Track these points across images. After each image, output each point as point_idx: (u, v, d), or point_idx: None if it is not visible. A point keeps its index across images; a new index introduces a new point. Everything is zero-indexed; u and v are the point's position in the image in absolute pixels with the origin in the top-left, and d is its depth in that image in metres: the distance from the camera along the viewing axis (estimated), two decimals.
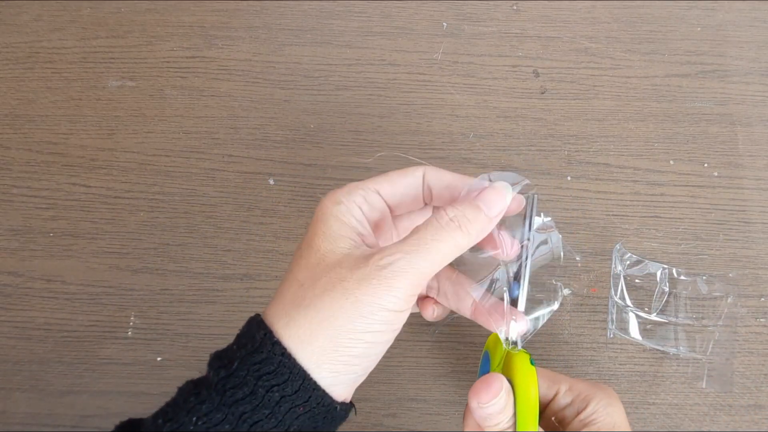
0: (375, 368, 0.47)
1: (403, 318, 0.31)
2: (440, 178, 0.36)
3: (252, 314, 0.32)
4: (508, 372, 0.35)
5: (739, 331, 0.48)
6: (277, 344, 0.29)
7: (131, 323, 0.48)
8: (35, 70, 0.55)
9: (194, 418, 0.29)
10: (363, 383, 0.47)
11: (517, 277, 0.35)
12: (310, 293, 0.30)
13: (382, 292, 0.29)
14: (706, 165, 0.52)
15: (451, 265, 0.34)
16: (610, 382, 0.47)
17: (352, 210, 0.33)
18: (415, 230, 0.32)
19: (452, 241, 0.31)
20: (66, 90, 0.54)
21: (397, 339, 0.47)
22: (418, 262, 0.30)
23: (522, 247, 0.35)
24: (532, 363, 0.35)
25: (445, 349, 0.48)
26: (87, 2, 0.56)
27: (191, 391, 0.30)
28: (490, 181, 0.35)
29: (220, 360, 0.30)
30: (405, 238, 0.31)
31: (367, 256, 0.30)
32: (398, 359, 0.48)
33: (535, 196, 0.36)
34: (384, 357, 0.47)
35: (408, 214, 0.39)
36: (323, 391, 0.30)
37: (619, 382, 0.47)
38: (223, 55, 0.55)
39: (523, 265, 0.35)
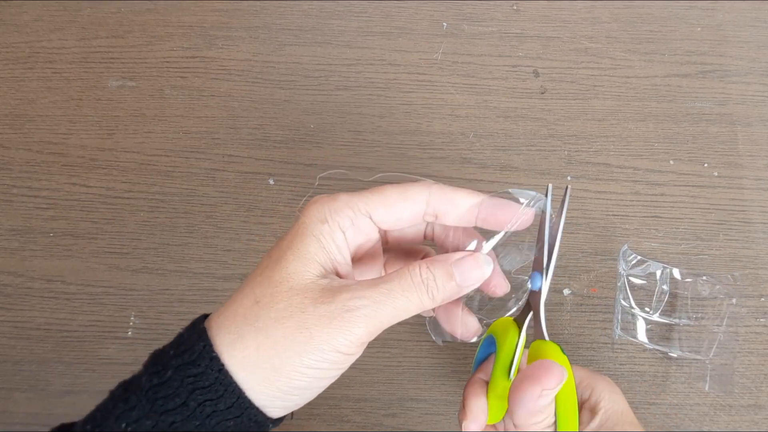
0: (375, 368, 0.47)
1: (353, 359, 0.30)
2: (447, 200, 0.33)
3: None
4: None
5: (740, 331, 0.48)
6: (215, 359, 0.28)
7: (131, 323, 0.48)
8: (35, 70, 0.55)
9: (123, 424, 0.28)
10: (363, 383, 0.47)
11: (538, 266, 0.34)
12: (265, 314, 0.29)
13: (339, 334, 0.28)
14: (706, 165, 0.52)
15: None
16: None
17: (334, 233, 0.31)
18: (388, 278, 0.30)
19: (418, 301, 0.30)
20: (66, 90, 0.54)
21: (397, 339, 0.48)
22: (383, 313, 0.29)
23: (550, 238, 0.34)
24: (564, 353, 0.33)
25: (445, 349, 0.48)
26: (87, 2, 0.56)
27: (121, 396, 0.29)
28: (508, 192, 0.33)
29: (155, 365, 0.30)
30: (375, 283, 0.30)
31: (335, 291, 0.29)
32: (398, 359, 0.48)
33: (568, 187, 0.34)
34: (384, 357, 0.47)
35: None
36: (257, 409, 0.29)
37: (619, 383, 0.47)
38: (223, 55, 0.55)
39: (546, 257, 0.33)
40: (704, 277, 0.47)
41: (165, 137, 0.53)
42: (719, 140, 0.53)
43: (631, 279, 0.47)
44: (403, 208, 0.32)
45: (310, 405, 0.46)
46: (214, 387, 0.28)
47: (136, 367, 0.48)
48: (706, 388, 0.46)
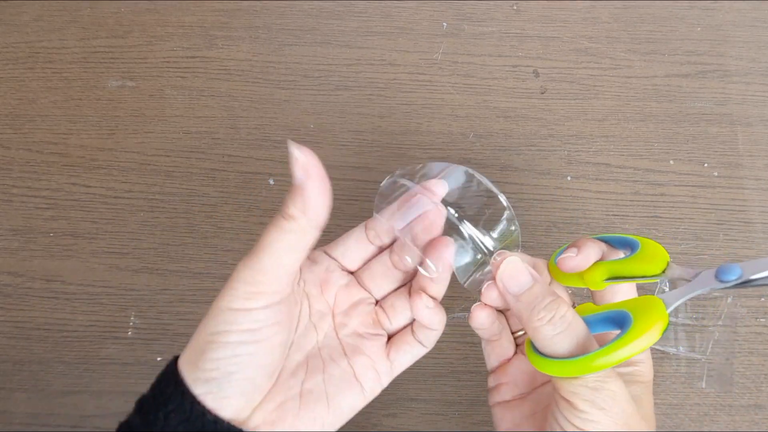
0: None
1: (248, 318, 0.30)
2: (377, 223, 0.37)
3: None
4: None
5: (739, 331, 0.48)
6: (173, 359, 0.31)
7: (131, 323, 0.48)
8: (35, 70, 0.55)
9: None
10: None
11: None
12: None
13: (224, 291, 0.30)
14: (706, 165, 0.52)
15: None
16: None
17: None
18: None
19: (284, 238, 0.30)
20: (66, 90, 0.54)
21: None
22: (251, 260, 0.30)
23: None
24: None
25: (445, 349, 0.48)
26: (87, 2, 0.56)
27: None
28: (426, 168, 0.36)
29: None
30: None
31: None
32: None
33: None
34: None
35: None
36: (194, 397, 0.29)
37: None
38: (223, 55, 0.55)
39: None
40: None
41: (165, 137, 0.53)
42: (719, 140, 0.53)
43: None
44: (353, 237, 0.37)
45: None
46: (163, 377, 0.31)
47: (136, 367, 0.49)
48: (703, 385, 0.46)
